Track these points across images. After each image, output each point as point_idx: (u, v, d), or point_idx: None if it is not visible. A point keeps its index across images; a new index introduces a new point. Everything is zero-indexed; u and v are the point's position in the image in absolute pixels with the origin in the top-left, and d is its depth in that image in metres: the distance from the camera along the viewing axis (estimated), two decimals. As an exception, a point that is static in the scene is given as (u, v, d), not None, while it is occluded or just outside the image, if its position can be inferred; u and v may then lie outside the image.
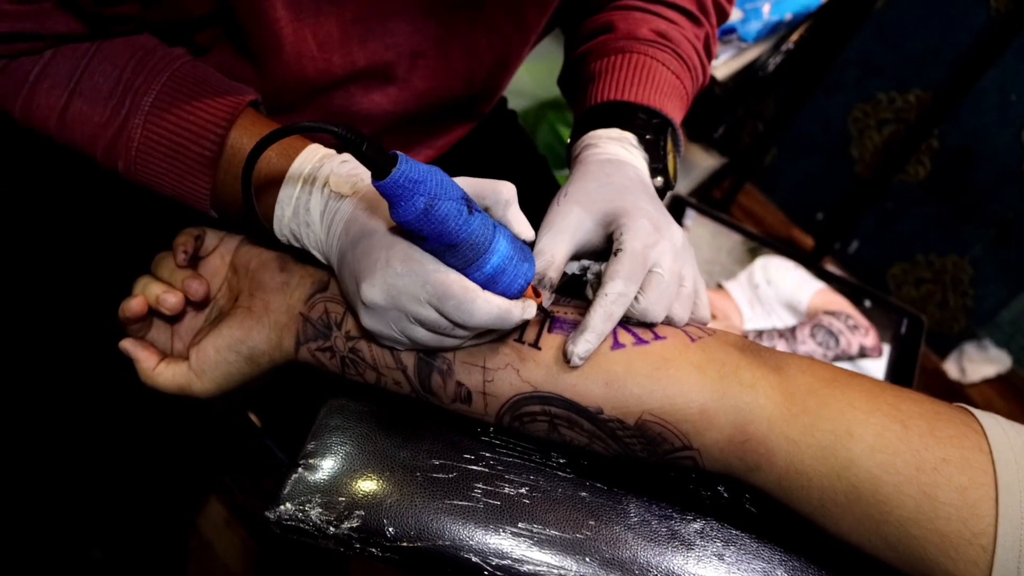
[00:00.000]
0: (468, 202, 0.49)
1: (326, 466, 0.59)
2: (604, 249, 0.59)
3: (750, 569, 0.56)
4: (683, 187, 1.64)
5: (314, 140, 0.60)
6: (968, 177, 1.53)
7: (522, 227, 0.52)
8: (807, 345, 1.43)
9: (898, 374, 1.44)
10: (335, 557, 1.05)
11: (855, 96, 1.61)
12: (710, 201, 1.80)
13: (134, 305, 0.59)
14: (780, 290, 1.48)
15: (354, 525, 0.56)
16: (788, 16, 1.09)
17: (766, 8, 1.08)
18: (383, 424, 0.61)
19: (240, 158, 0.57)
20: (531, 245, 0.56)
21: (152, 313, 0.62)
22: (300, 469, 0.59)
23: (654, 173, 0.66)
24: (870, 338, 1.46)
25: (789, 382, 0.52)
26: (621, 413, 0.53)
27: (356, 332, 0.57)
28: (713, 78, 1.09)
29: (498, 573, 0.55)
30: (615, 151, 0.64)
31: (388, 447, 0.59)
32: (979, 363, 1.71)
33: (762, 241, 1.55)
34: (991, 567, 0.45)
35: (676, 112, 0.70)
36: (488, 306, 0.49)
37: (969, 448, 0.47)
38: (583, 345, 0.53)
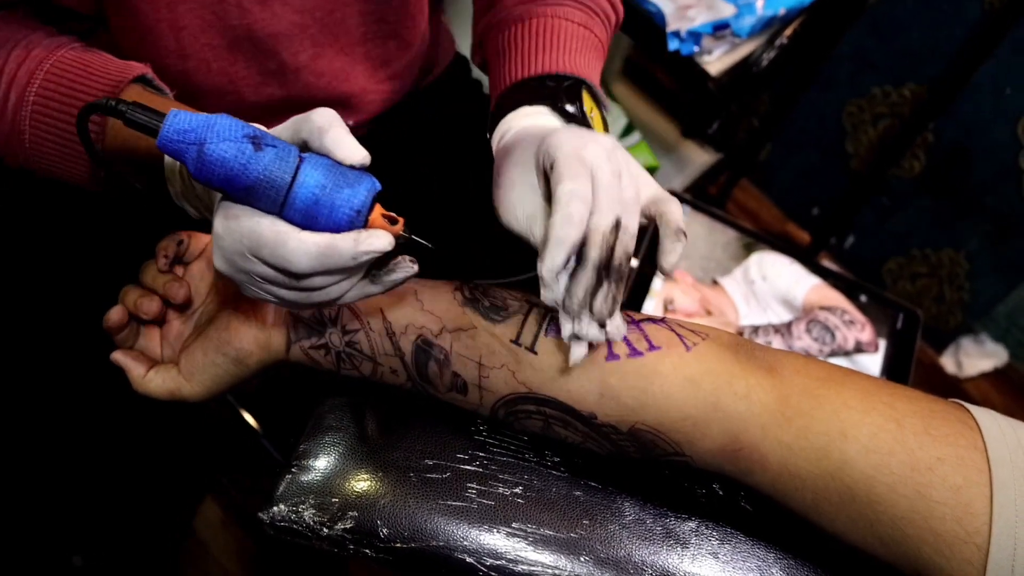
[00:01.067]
0: (256, 139, 0.45)
1: (319, 467, 0.58)
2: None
3: (745, 567, 0.56)
4: (678, 183, 1.64)
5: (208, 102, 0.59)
6: (963, 171, 1.53)
7: (345, 151, 0.46)
8: (803, 341, 1.43)
9: (894, 369, 1.44)
10: (332, 557, 1.05)
11: (850, 91, 1.61)
12: (705, 197, 1.80)
13: (113, 314, 0.60)
14: (776, 286, 1.48)
15: (348, 526, 0.56)
16: (782, 11, 1.08)
17: (760, 3, 1.07)
18: (377, 425, 0.61)
19: (123, 136, 0.56)
20: (370, 169, 0.48)
21: (139, 321, 0.61)
22: (293, 470, 0.58)
23: None
24: (866, 333, 1.46)
25: (784, 384, 0.52)
26: (614, 420, 0.53)
27: (353, 325, 0.57)
28: (707, 74, 1.08)
29: (492, 573, 0.55)
30: (527, 124, 0.61)
31: (381, 448, 0.59)
32: (976, 357, 1.71)
33: (757, 237, 1.54)
34: (985, 565, 0.45)
35: (591, 66, 0.67)
36: (304, 245, 0.45)
37: (964, 446, 0.47)
38: (549, 258, 0.47)
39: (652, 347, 0.54)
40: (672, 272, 0.53)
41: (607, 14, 0.71)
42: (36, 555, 0.65)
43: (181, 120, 0.44)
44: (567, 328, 0.50)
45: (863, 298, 1.50)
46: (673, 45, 1.06)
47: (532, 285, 0.56)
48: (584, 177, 0.49)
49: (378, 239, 0.46)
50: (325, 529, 0.56)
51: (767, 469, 0.51)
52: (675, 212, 0.54)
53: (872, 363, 1.43)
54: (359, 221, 0.47)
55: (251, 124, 0.46)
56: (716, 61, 1.09)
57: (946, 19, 1.40)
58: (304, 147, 0.47)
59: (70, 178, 0.59)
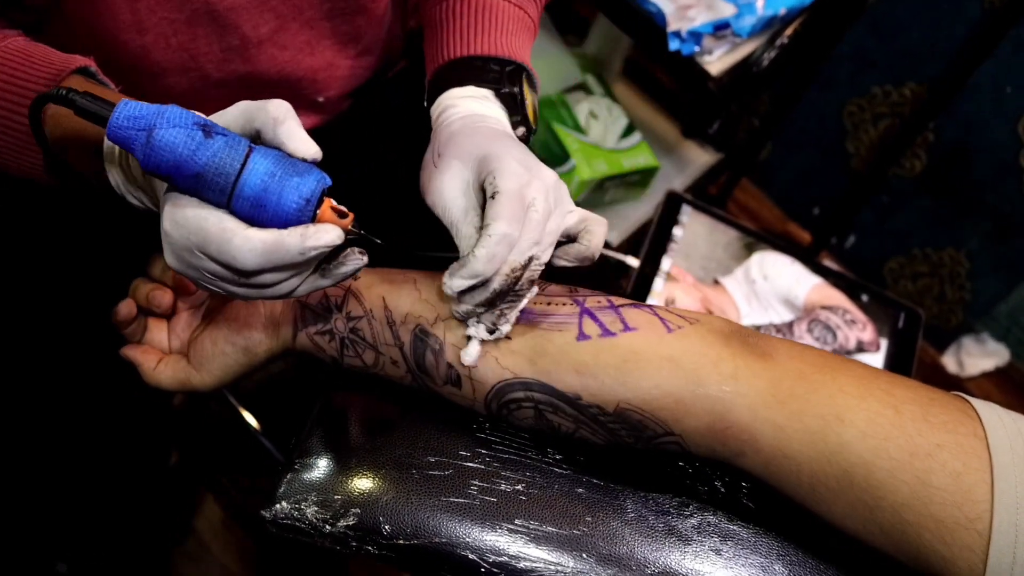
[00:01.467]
0: (205, 128, 0.45)
1: (321, 464, 0.58)
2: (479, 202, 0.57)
3: (747, 563, 0.56)
4: (679, 183, 1.64)
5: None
6: (964, 171, 1.53)
7: (298, 144, 0.46)
8: (804, 340, 1.43)
9: (896, 368, 1.44)
10: (333, 556, 1.05)
11: (850, 91, 1.61)
12: (706, 197, 1.80)
13: (122, 308, 0.60)
14: (777, 285, 1.48)
15: (350, 523, 0.56)
16: (782, 11, 1.08)
17: (760, 3, 1.07)
18: (378, 422, 0.61)
19: (64, 126, 0.54)
20: (320, 163, 0.49)
21: (147, 313, 0.62)
22: (295, 468, 0.59)
23: (515, 125, 0.65)
24: (867, 332, 1.46)
25: (776, 368, 0.52)
26: (599, 401, 0.53)
27: (357, 312, 0.58)
28: (707, 74, 1.08)
29: (495, 570, 0.55)
30: (474, 108, 0.63)
31: (383, 445, 0.59)
32: (977, 357, 1.71)
33: (758, 236, 1.54)
34: (987, 552, 0.45)
35: (525, 48, 0.69)
36: (249, 243, 0.45)
37: (964, 434, 0.47)
38: (457, 281, 0.51)
39: (627, 328, 0.55)
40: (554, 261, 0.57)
41: None
42: (19, 562, 0.65)
43: (131, 108, 0.44)
44: (462, 330, 0.56)
45: (864, 297, 1.50)
46: (674, 45, 1.06)
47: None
48: (518, 221, 0.52)
49: (326, 234, 0.46)
50: (328, 527, 0.56)
51: (759, 450, 0.52)
52: (597, 236, 0.58)
53: (874, 362, 1.43)
54: (308, 212, 0.46)
55: (201, 115, 0.46)
56: (717, 61, 1.09)
57: (946, 18, 1.40)
58: (256, 138, 0.47)
59: (20, 170, 0.58)
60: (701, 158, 1.69)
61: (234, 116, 0.47)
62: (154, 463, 0.73)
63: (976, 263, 1.61)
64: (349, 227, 0.48)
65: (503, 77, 0.65)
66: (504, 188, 0.52)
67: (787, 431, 0.50)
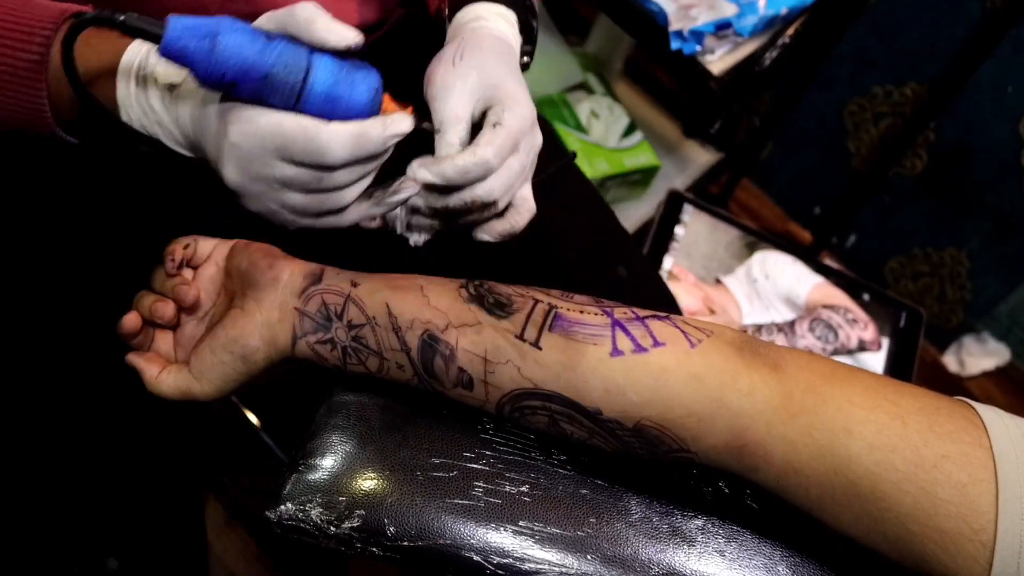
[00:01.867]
0: (264, 33, 0.45)
1: (326, 465, 0.58)
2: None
3: (751, 565, 0.56)
4: (680, 183, 1.64)
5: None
6: (965, 170, 1.53)
7: (338, 34, 0.46)
8: (806, 339, 1.43)
9: (897, 368, 1.44)
10: (335, 556, 1.05)
11: (851, 90, 1.61)
12: (707, 196, 1.80)
13: (127, 321, 0.60)
14: (778, 284, 1.48)
15: (355, 524, 0.56)
16: (784, 10, 1.08)
17: (762, 2, 1.07)
18: (383, 423, 0.61)
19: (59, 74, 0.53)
20: (360, 55, 0.49)
21: (154, 325, 0.62)
22: (300, 469, 0.59)
23: (524, 54, 0.66)
24: (869, 332, 1.46)
25: (788, 380, 0.52)
26: (619, 416, 0.53)
27: (359, 320, 0.57)
28: (709, 73, 1.08)
29: (499, 572, 0.55)
30: (504, 29, 0.64)
31: (388, 446, 0.59)
32: (978, 356, 1.71)
33: (760, 236, 1.55)
34: (991, 563, 0.45)
35: None
36: (337, 135, 0.46)
37: (969, 443, 0.47)
38: (423, 172, 0.53)
39: (656, 343, 0.54)
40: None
41: None
42: (69, 559, 0.65)
43: (186, 20, 0.44)
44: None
45: (866, 297, 1.50)
46: (675, 45, 1.06)
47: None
48: (502, 158, 0.54)
49: (403, 121, 0.48)
50: (332, 528, 0.56)
51: (771, 465, 0.52)
52: (523, 218, 0.61)
53: (875, 361, 1.44)
54: (377, 103, 0.48)
55: (249, 24, 0.46)
56: (718, 61, 1.09)
57: (947, 18, 1.41)
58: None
59: (30, 123, 0.55)
60: (702, 157, 1.69)
61: (267, 23, 0.47)
62: (166, 462, 0.73)
63: (977, 263, 1.61)
64: (412, 115, 0.50)
65: (523, 5, 0.66)
66: (508, 123, 0.54)
67: (797, 446, 0.50)
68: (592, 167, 1.48)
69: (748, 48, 1.11)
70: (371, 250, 0.71)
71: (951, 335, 1.74)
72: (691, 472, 0.59)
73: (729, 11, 1.07)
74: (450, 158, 0.53)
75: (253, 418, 1.05)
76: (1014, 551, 0.44)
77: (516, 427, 0.59)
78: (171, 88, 0.52)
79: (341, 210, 0.51)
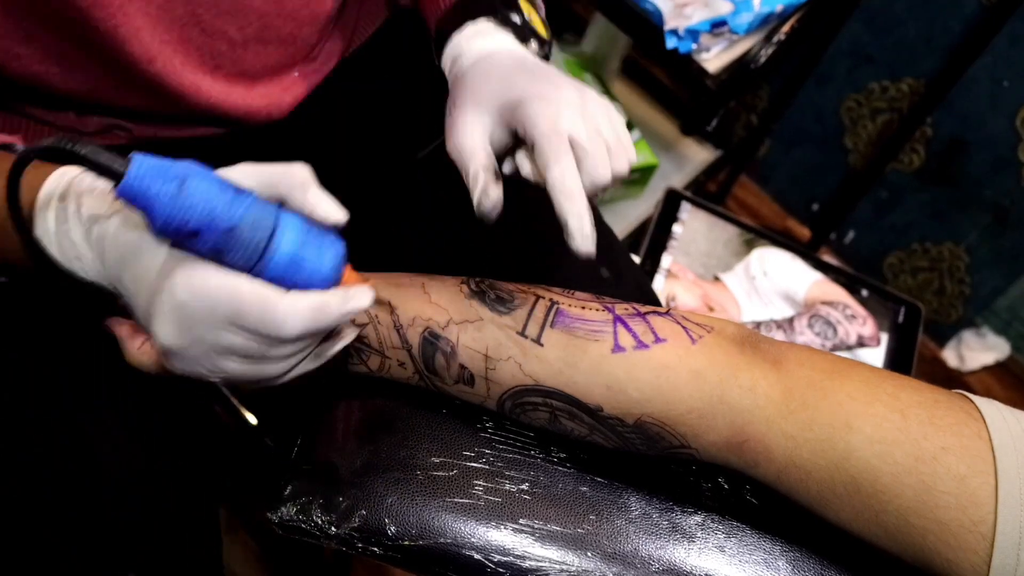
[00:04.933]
0: (232, 184, 0.42)
1: (326, 466, 0.59)
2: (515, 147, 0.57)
3: (751, 560, 0.56)
4: (678, 181, 1.64)
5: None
6: (962, 164, 1.53)
7: (328, 209, 0.45)
8: (805, 336, 1.43)
9: (896, 363, 1.44)
10: (338, 556, 1.05)
11: (847, 86, 1.61)
12: (705, 194, 1.80)
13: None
14: (777, 281, 1.48)
15: (355, 525, 0.56)
16: (779, 8, 1.08)
17: (756, 0, 1.08)
18: (383, 423, 0.61)
19: None
20: (341, 230, 0.47)
21: None
22: (300, 470, 0.59)
23: (525, 42, 0.63)
24: (868, 327, 1.46)
25: (788, 376, 0.52)
26: (620, 413, 0.53)
27: (361, 319, 0.57)
28: (705, 71, 1.08)
29: (500, 570, 0.55)
30: (480, 46, 0.61)
31: (388, 446, 0.59)
32: (977, 351, 1.71)
33: (758, 233, 1.55)
34: (991, 554, 0.45)
35: None
36: (295, 308, 0.42)
37: (968, 436, 0.47)
38: (577, 233, 0.50)
39: (658, 339, 0.54)
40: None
41: None
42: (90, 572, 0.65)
43: (151, 159, 0.40)
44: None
45: (864, 292, 1.50)
46: (671, 43, 1.07)
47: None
48: (567, 151, 0.51)
49: (365, 295, 0.45)
50: (333, 528, 0.56)
51: (772, 461, 0.52)
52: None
53: (874, 357, 1.44)
54: (339, 274, 0.45)
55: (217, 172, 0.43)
56: (714, 58, 1.09)
57: (942, 13, 1.41)
58: (279, 202, 0.45)
59: None
60: (700, 155, 1.69)
61: (249, 178, 0.45)
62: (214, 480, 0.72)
63: (975, 257, 1.61)
64: (373, 286, 0.47)
65: (495, 2, 0.63)
66: (537, 133, 0.52)
67: (798, 441, 0.50)
68: (590, 166, 1.48)
69: (744, 45, 1.11)
70: (373, 248, 0.71)
71: (950, 330, 1.75)
72: (690, 468, 0.59)
73: (724, 9, 1.07)
74: (559, 208, 0.50)
75: (252, 419, 1.05)
76: (1013, 542, 0.45)
77: (516, 423, 0.60)
78: (98, 219, 0.48)
79: (277, 377, 0.48)
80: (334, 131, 0.83)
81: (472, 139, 0.54)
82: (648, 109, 1.71)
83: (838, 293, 1.49)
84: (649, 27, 1.08)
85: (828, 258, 1.71)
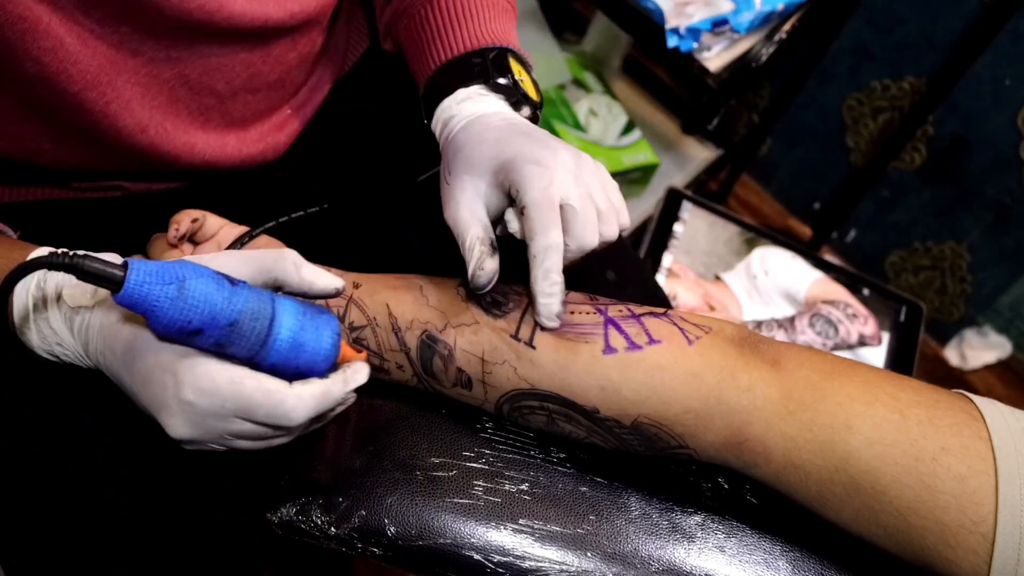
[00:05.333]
0: (226, 277, 0.44)
1: (326, 467, 0.59)
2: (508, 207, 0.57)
3: (751, 560, 0.56)
4: (679, 180, 1.64)
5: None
6: (964, 163, 1.53)
7: (326, 281, 0.48)
8: (806, 335, 1.43)
9: (898, 362, 1.44)
10: (339, 557, 1.05)
11: (849, 84, 1.61)
12: (706, 193, 1.80)
13: None
14: (778, 280, 1.48)
15: (355, 525, 0.56)
16: (780, 6, 1.08)
17: (758, -2, 1.08)
18: (382, 424, 0.61)
19: None
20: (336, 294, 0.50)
21: None
22: (300, 470, 0.59)
23: (518, 107, 0.63)
24: (869, 326, 1.46)
25: (787, 377, 0.52)
26: (617, 414, 0.53)
27: (360, 322, 0.58)
28: (706, 70, 1.08)
29: (500, 570, 0.55)
30: (471, 110, 0.61)
31: (388, 447, 0.59)
32: (979, 349, 1.71)
33: (759, 232, 1.55)
34: (991, 555, 0.45)
35: (508, 30, 0.67)
36: (301, 400, 0.44)
37: (968, 436, 0.47)
38: (544, 311, 0.52)
39: (652, 341, 0.54)
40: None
41: None
42: None
43: (147, 265, 0.41)
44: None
45: (866, 291, 1.50)
46: (672, 42, 1.07)
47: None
48: (555, 224, 0.52)
49: (361, 371, 0.48)
50: (333, 528, 0.56)
51: (771, 462, 0.52)
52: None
53: (875, 356, 1.44)
54: (337, 349, 0.47)
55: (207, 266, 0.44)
56: (715, 57, 1.09)
57: (944, 11, 1.40)
58: (274, 286, 0.47)
59: None
60: (701, 154, 1.69)
61: (242, 266, 0.46)
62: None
63: (977, 255, 1.61)
64: (365, 357, 0.49)
65: (488, 67, 0.63)
66: (528, 199, 0.52)
67: (797, 441, 0.50)
68: (591, 165, 1.48)
69: (745, 44, 1.11)
70: (372, 251, 0.71)
71: (952, 328, 1.74)
72: (690, 468, 0.59)
73: (725, 7, 1.07)
74: (532, 281, 0.52)
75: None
76: (1014, 543, 0.44)
77: (515, 426, 0.60)
78: (80, 310, 0.49)
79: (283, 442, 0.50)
80: (333, 157, 0.83)
81: (467, 211, 0.55)
82: (649, 108, 1.71)
83: (839, 292, 1.49)
84: (650, 26, 1.08)
85: (830, 257, 1.70)
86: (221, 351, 0.44)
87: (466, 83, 0.62)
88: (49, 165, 0.65)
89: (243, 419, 0.45)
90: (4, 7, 0.51)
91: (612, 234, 0.55)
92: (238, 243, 0.62)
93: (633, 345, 0.53)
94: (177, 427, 0.45)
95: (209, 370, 0.43)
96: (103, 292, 0.47)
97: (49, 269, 0.42)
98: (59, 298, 0.49)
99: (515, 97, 0.63)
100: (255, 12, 0.62)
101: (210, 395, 0.43)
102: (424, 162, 0.77)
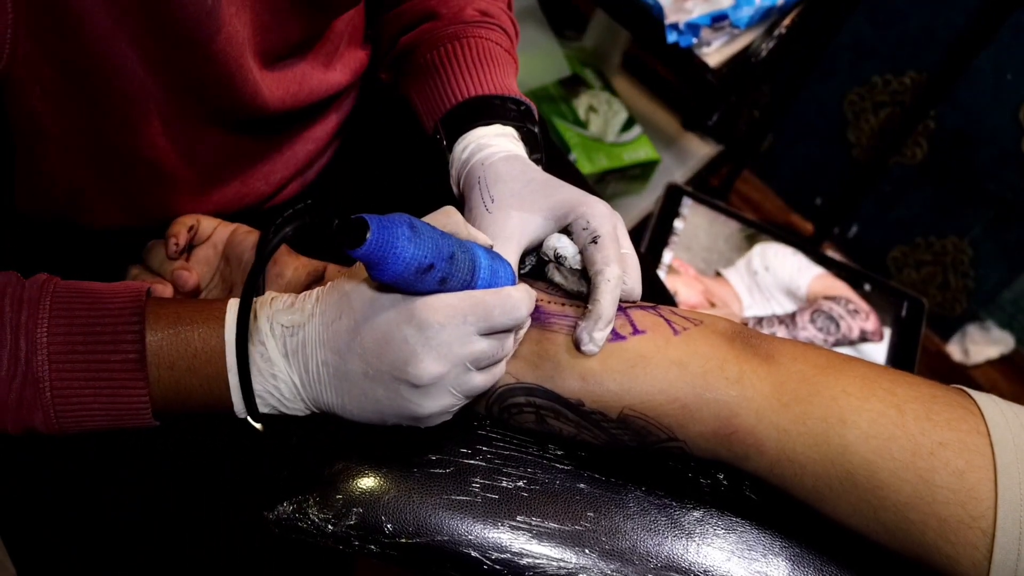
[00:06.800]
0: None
1: (323, 464, 0.59)
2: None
3: (750, 556, 0.56)
4: (679, 176, 1.64)
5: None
6: (965, 158, 1.52)
7: (483, 237, 0.53)
8: (807, 331, 1.43)
9: (900, 357, 1.44)
10: (339, 555, 1.05)
11: (850, 80, 1.60)
12: (707, 189, 1.80)
13: None
14: (779, 276, 1.48)
15: (352, 523, 0.56)
16: (780, 1, 1.08)
17: (757, -7, 1.07)
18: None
19: (170, 347, 0.51)
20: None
21: None
22: (297, 468, 0.59)
23: (536, 161, 0.66)
24: (871, 322, 1.46)
25: (780, 371, 0.52)
26: (601, 406, 0.53)
27: None
28: (706, 65, 1.08)
29: (497, 567, 0.55)
30: (509, 147, 0.64)
31: (384, 444, 0.59)
32: (982, 344, 1.71)
33: (760, 228, 1.54)
34: (991, 549, 0.45)
35: (515, 87, 0.71)
36: (520, 296, 0.50)
37: (966, 431, 0.47)
38: (600, 334, 0.53)
39: (636, 331, 0.54)
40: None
41: (514, 39, 0.76)
42: None
43: (371, 217, 0.43)
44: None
45: (867, 287, 1.50)
46: (671, 37, 1.06)
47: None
48: (618, 261, 0.56)
49: (532, 290, 0.53)
50: (330, 526, 0.56)
51: (764, 454, 0.52)
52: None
53: (877, 352, 1.43)
54: (516, 276, 0.54)
55: None
56: (715, 52, 1.09)
57: (945, 5, 1.40)
58: None
59: (110, 421, 0.51)
60: (702, 150, 1.69)
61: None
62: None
63: (979, 251, 1.61)
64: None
65: (521, 116, 0.67)
66: (604, 232, 0.56)
67: (791, 434, 0.50)
68: (591, 162, 1.48)
69: (745, 39, 1.11)
70: None
71: (955, 324, 1.74)
72: (688, 464, 0.59)
73: (725, 2, 1.07)
74: (598, 303, 0.54)
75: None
76: (1014, 537, 0.44)
77: (507, 428, 0.60)
78: (290, 332, 0.51)
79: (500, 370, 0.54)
80: (351, 187, 0.86)
81: (509, 248, 0.58)
82: (649, 104, 1.71)
83: (840, 288, 1.49)
84: (650, 22, 1.07)
85: (831, 253, 1.70)
86: (442, 288, 0.48)
87: (504, 121, 0.66)
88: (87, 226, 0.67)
89: (479, 337, 0.49)
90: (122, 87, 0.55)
91: (639, 294, 0.59)
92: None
93: (617, 336, 0.54)
94: (430, 367, 0.48)
95: (443, 299, 0.48)
96: (309, 303, 0.51)
97: (302, 224, 0.44)
98: (271, 328, 0.51)
99: (537, 153, 0.66)
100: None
101: (454, 315, 0.47)
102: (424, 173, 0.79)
